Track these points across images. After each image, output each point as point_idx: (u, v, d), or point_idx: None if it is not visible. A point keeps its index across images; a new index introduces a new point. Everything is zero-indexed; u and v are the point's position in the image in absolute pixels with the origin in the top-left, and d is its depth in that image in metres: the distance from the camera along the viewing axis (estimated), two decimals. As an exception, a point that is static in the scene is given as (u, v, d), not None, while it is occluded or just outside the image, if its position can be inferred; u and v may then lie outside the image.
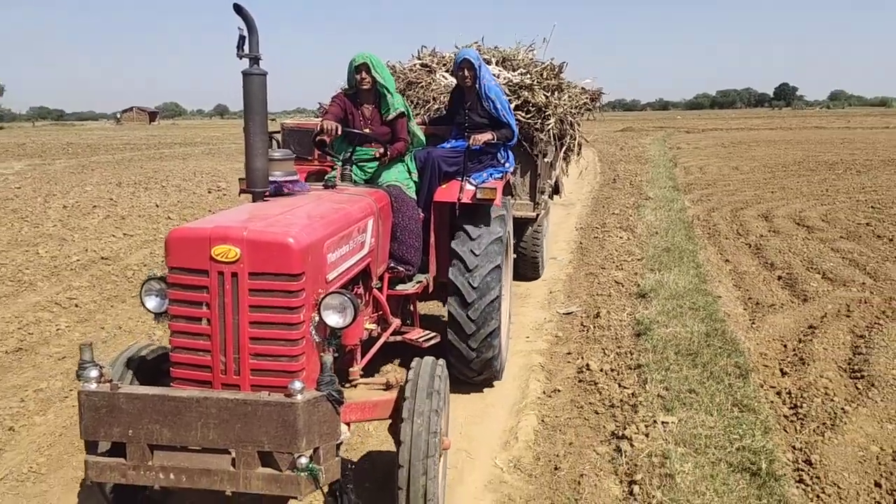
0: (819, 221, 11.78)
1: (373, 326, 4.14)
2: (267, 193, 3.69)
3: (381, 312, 4.44)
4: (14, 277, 8.37)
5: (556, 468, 3.99)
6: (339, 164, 4.78)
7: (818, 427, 4.34)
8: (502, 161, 5.42)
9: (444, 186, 5.08)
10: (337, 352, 3.30)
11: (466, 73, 5.25)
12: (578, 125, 7.77)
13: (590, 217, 12.94)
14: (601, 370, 5.28)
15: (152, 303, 3.13)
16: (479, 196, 4.88)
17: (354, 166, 4.79)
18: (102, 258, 9.43)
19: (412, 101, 6.66)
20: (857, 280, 7.85)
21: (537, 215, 7.02)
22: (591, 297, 7.41)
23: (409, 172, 4.99)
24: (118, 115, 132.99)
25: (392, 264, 4.60)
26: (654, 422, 4.24)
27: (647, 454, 3.91)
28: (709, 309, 6.46)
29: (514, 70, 6.97)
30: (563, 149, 7.70)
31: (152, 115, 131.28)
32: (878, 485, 3.74)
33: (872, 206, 13.17)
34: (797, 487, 3.69)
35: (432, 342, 4.72)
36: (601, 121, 9.31)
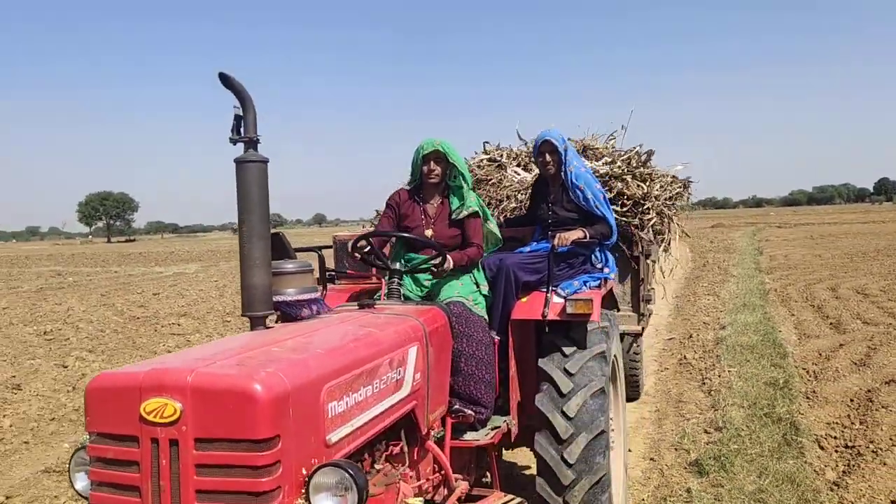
0: (878, 291, 14.47)
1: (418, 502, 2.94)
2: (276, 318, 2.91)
3: (441, 473, 3.41)
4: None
5: (668, 392, 7.38)
6: (386, 276, 3.90)
7: (826, 381, 7.50)
8: (598, 265, 4.41)
9: (523, 300, 4.05)
10: None
11: (548, 157, 4.36)
12: (670, 220, 6.71)
13: (684, 290, 16.17)
14: (694, 358, 8.61)
15: (82, 483, 2.27)
16: (569, 311, 3.82)
17: (406, 278, 3.93)
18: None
19: (484, 202, 5.47)
20: (885, 322, 10.77)
21: (643, 328, 5.92)
22: (685, 330, 10.74)
23: (477, 285, 3.99)
24: (234, 227, 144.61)
25: (456, 406, 3.63)
26: (724, 369, 7.58)
27: (719, 381, 7.28)
28: (768, 332, 9.67)
29: (597, 160, 5.95)
30: (663, 246, 6.65)
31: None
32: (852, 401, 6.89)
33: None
34: (803, 396, 6.89)
35: None
36: (691, 218, 8.81)
